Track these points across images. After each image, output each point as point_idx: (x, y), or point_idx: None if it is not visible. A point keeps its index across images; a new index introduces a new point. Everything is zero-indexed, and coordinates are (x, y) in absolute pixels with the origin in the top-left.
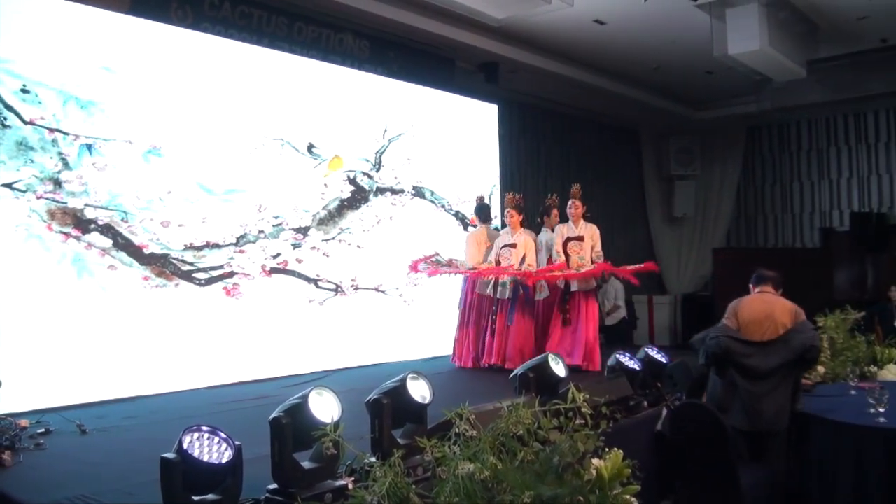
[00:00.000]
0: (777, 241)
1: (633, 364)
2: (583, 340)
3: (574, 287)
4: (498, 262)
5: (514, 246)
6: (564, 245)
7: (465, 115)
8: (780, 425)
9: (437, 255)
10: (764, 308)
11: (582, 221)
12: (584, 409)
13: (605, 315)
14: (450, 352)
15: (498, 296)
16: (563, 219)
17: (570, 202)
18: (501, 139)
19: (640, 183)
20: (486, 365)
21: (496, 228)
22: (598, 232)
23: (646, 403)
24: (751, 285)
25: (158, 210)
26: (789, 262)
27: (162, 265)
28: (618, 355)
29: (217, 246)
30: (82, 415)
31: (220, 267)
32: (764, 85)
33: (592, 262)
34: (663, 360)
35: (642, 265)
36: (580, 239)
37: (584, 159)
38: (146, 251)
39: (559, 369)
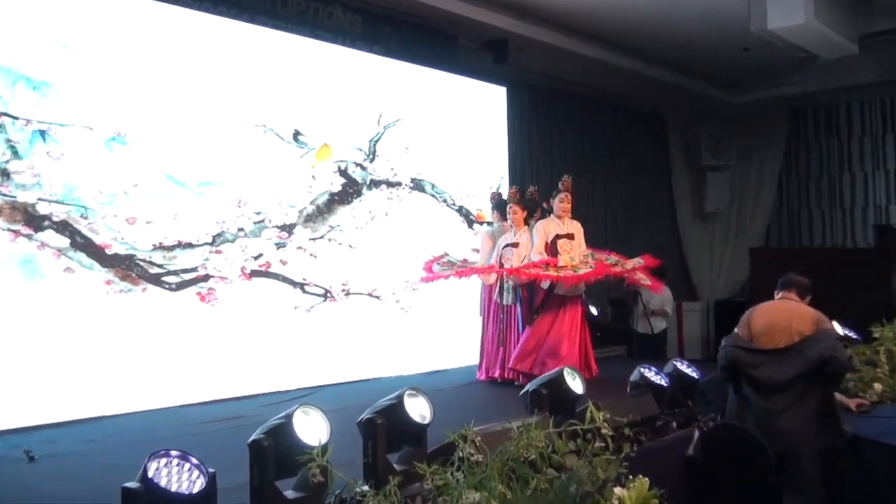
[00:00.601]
0: (824, 240)
1: (659, 379)
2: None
3: (560, 291)
4: (500, 265)
5: (516, 245)
6: (553, 243)
7: (469, 98)
8: (802, 447)
9: (447, 255)
10: (779, 315)
11: (567, 217)
12: (604, 431)
13: (641, 319)
14: (451, 364)
15: (504, 302)
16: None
17: (559, 195)
18: (510, 125)
19: (666, 175)
20: (500, 378)
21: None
22: (582, 230)
23: (675, 424)
24: (775, 291)
25: (123, 205)
26: (839, 263)
27: (127, 268)
28: (642, 369)
29: (190, 245)
30: (30, 440)
31: (194, 269)
32: (809, 63)
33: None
34: (695, 374)
35: (640, 263)
36: (570, 237)
37: (603, 148)
38: (109, 252)
39: (576, 385)
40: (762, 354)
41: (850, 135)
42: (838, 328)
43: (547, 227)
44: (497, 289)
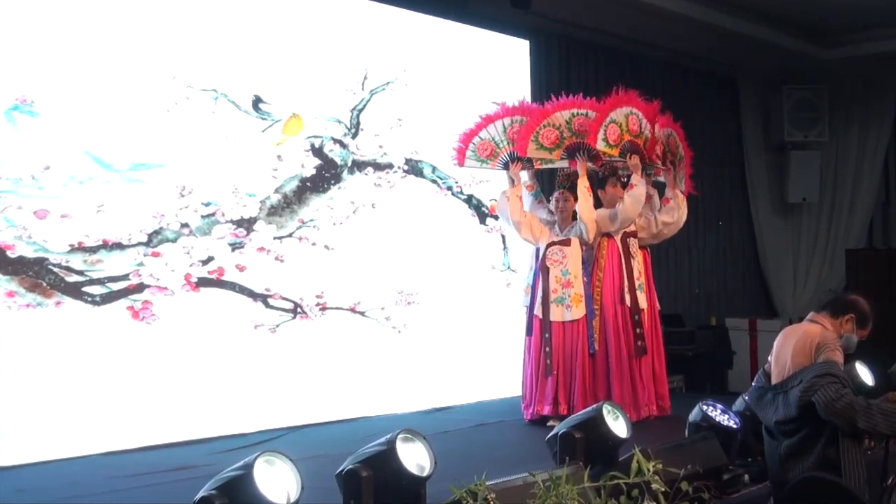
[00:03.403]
0: None
1: (727, 420)
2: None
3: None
4: (545, 269)
5: (567, 244)
6: (545, 255)
7: (481, 54)
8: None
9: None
10: (785, 342)
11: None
12: (655, 486)
13: None
14: (459, 400)
15: (554, 318)
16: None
17: (556, 193)
18: (534, 89)
19: (737, 154)
20: (538, 415)
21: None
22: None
23: (747, 477)
24: None
25: (31, 194)
26: None
27: (36, 275)
28: (705, 406)
29: (119, 246)
30: None
31: (124, 277)
32: None
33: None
34: None
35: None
36: (566, 244)
37: None
38: (11, 254)
39: (619, 426)
40: (760, 391)
41: None
42: (863, 369)
43: (541, 230)
44: (540, 296)
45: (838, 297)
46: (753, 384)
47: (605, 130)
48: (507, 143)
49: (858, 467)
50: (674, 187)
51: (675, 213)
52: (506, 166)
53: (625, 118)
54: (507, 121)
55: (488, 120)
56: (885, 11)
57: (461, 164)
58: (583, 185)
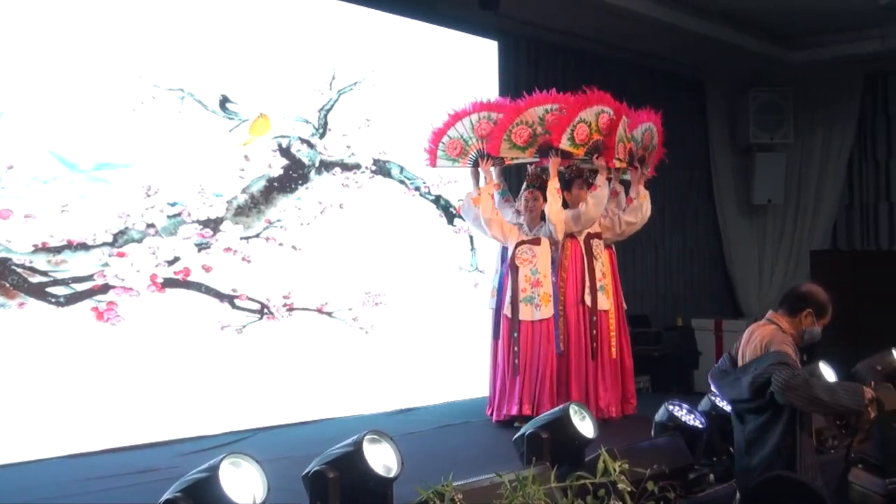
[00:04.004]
0: None
1: (693, 420)
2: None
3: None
4: (514, 268)
5: (537, 243)
6: (514, 254)
7: (450, 55)
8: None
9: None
10: (747, 340)
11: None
12: (621, 486)
13: None
14: (425, 401)
15: (523, 317)
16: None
17: (525, 192)
18: (503, 89)
19: (704, 155)
20: (507, 415)
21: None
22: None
23: (713, 477)
24: None
25: None
26: None
27: None
28: (671, 406)
29: (84, 247)
30: None
31: (89, 278)
32: (894, 12)
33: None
34: None
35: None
36: (536, 243)
37: None
38: None
39: (585, 427)
40: (724, 372)
41: None
42: (826, 369)
43: (510, 230)
44: (509, 295)
45: (792, 293)
46: (717, 365)
47: (574, 130)
48: (476, 140)
49: (810, 454)
50: (637, 185)
51: (637, 214)
52: (475, 164)
53: (595, 117)
54: (474, 117)
55: (456, 117)
56: (850, 15)
57: (433, 164)
58: (553, 186)
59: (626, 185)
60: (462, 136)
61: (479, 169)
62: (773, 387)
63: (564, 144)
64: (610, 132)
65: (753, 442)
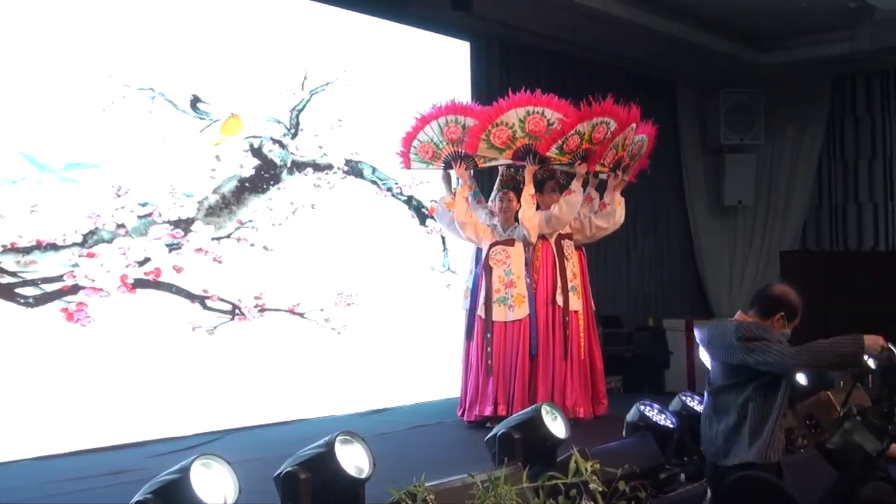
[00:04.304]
0: (878, 242)
1: (664, 420)
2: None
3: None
4: (488, 269)
5: (510, 244)
6: (487, 255)
7: (422, 56)
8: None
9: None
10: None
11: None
12: (593, 486)
13: None
14: (398, 402)
15: (496, 318)
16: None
17: (500, 192)
18: (475, 91)
19: (675, 156)
20: (480, 416)
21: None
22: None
23: (683, 477)
24: None
25: None
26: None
27: None
28: (642, 406)
29: (53, 247)
30: None
31: (59, 279)
32: (862, 14)
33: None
34: None
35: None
36: (509, 244)
37: None
38: None
39: (557, 427)
40: None
41: None
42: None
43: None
44: (483, 296)
45: (764, 295)
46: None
47: (566, 141)
48: (446, 143)
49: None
50: (614, 192)
51: (610, 219)
52: (448, 166)
53: (591, 128)
54: (441, 121)
55: (423, 121)
56: (820, 17)
57: (407, 166)
58: (528, 192)
59: (604, 186)
60: (432, 140)
61: (452, 172)
62: (755, 357)
63: (552, 153)
64: (602, 142)
65: (729, 437)
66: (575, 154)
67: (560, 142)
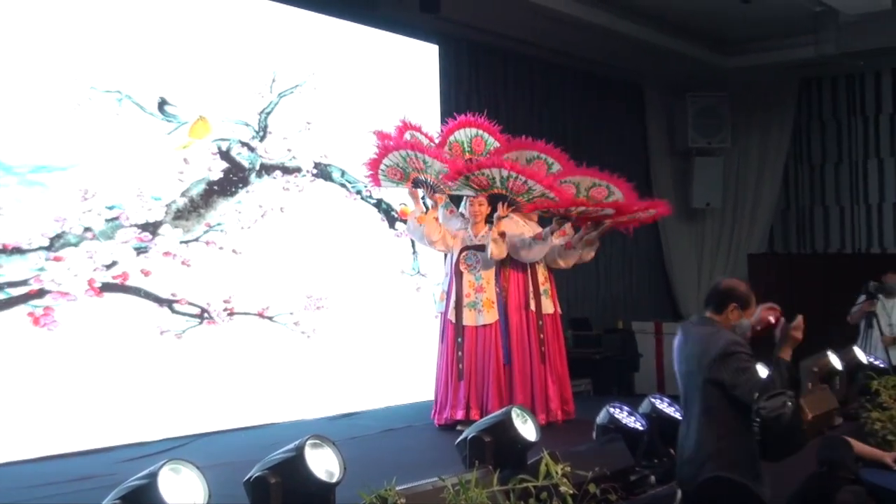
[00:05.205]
0: (844, 244)
1: (634, 422)
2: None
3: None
4: (458, 274)
5: (480, 249)
6: (458, 260)
7: (391, 58)
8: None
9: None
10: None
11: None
12: (563, 488)
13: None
14: (368, 406)
15: (466, 322)
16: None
17: (469, 198)
18: (444, 94)
19: (643, 159)
20: (451, 420)
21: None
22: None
23: (653, 479)
24: None
25: None
26: (864, 272)
27: None
28: (612, 409)
29: (19, 251)
30: None
31: (24, 283)
32: (827, 19)
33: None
34: (679, 415)
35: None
36: (480, 249)
37: (561, 124)
38: None
39: (527, 430)
40: None
41: (878, 111)
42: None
43: (455, 235)
44: (453, 300)
45: (715, 291)
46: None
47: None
48: (412, 170)
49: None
50: (582, 240)
51: (571, 261)
52: (416, 185)
53: (587, 191)
54: (403, 153)
55: (385, 150)
56: (785, 22)
57: (377, 185)
58: (496, 232)
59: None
60: (398, 165)
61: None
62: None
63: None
64: (600, 202)
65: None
66: (561, 214)
67: (549, 192)
